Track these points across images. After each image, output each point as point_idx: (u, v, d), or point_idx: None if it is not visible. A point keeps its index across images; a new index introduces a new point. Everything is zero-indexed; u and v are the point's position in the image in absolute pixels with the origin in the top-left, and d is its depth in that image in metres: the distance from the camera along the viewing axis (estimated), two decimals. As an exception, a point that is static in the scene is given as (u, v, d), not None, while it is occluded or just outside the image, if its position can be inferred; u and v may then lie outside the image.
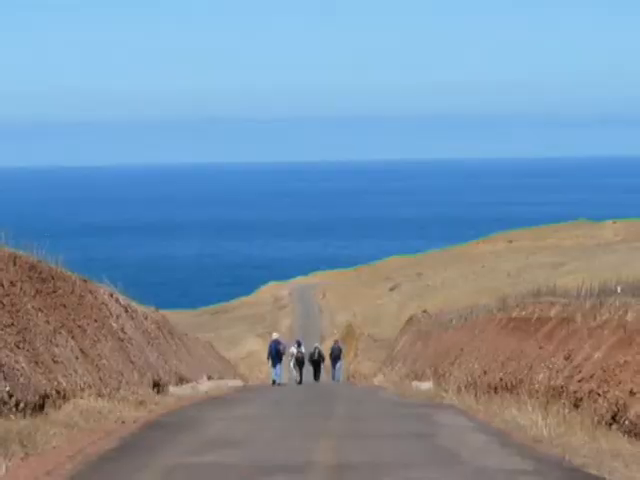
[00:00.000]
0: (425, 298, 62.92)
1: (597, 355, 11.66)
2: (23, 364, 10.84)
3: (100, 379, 14.39)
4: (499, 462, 8.29)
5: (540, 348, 15.17)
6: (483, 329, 21.41)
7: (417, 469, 7.76)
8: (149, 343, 20.18)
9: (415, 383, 23.91)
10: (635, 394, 9.60)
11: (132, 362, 17.39)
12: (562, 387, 12.54)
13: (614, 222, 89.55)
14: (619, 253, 66.34)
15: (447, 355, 23.60)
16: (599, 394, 10.82)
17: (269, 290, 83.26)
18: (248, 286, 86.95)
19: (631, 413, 9.49)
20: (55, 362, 12.42)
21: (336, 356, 32.78)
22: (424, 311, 39.77)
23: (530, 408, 12.37)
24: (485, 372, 18.44)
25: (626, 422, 9.56)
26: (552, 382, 13.18)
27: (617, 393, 10.17)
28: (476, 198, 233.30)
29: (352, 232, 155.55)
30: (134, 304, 20.38)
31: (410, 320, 38.48)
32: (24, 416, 10.01)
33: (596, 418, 10.44)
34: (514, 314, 19.00)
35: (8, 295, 11.53)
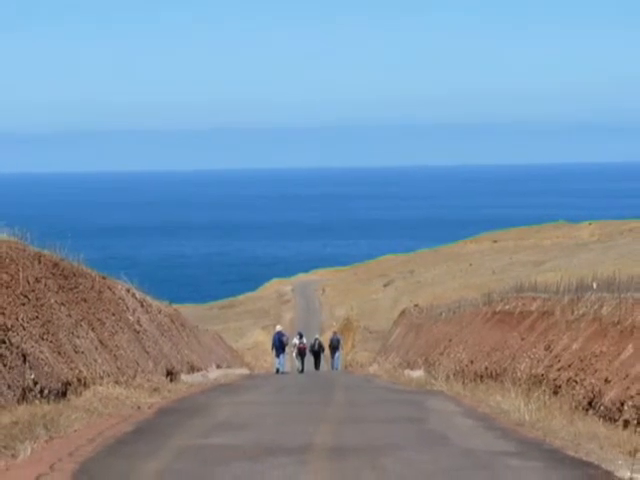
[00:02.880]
0: (417, 293, 62.84)
1: (575, 346, 11.67)
2: (47, 354, 10.85)
3: (118, 368, 14.39)
4: (485, 444, 8.30)
5: (522, 339, 15.17)
6: (470, 322, 21.40)
7: (410, 450, 7.77)
8: (163, 334, 20.18)
9: (407, 371, 23.92)
10: (609, 382, 9.60)
11: (147, 352, 17.40)
12: (542, 375, 12.54)
13: (590, 223, 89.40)
14: (595, 252, 66.25)
15: (437, 346, 23.58)
16: (576, 382, 10.83)
17: (273, 286, 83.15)
18: (254, 282, 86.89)
19: (606, 399, 9.49)
20: (76, 352, 12.43)
21: (335, 347, 32.74)
22: (416, 305, 39.68)
23: (513, 394, 12.36)
24: (472, 361, 18.44)
25: (601, 407, 9.56)
26: (533, 370, 13.18)
27: (593, 381, 10.17)
28: (464, 202, 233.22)
29: (349, 233, 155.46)
30: (149, 299, 20.37)
31: (403, 313, 38.43)
32: (48, 402, 10.02)
33: (574, 404, 10.45)
34: (498, 308, 18.99)
35: (33, 291, 11.55)
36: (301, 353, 29.38)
